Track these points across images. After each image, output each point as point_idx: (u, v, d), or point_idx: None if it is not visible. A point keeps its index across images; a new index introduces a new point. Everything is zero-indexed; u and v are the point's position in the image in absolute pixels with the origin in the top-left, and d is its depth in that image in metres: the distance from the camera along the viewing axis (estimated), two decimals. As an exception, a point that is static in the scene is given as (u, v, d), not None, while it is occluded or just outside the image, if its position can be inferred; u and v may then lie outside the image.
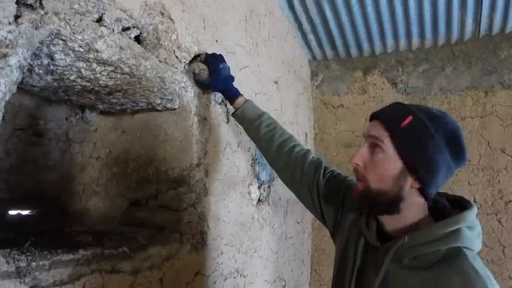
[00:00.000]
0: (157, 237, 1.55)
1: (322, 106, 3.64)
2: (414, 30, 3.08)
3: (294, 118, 3.07)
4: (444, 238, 1.04)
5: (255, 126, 1.72)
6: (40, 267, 1.05)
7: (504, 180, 3.00)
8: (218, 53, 1.77)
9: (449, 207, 1.15)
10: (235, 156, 2.04)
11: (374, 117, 1.21)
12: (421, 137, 1.08)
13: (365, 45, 3.34)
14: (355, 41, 3.30)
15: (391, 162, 1.10)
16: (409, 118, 1.10)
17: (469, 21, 2.94)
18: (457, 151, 1.09)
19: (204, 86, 1.75)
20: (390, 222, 1.18)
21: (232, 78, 1.75)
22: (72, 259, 1.14)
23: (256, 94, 2.34)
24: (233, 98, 1.76)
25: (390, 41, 3.26)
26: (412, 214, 1.14)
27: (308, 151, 1.69)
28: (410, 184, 1.10)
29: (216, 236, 1.81)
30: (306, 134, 3.38)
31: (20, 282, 0.99)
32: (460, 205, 1.13)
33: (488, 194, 3.05)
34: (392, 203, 1.12)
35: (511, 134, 3.00)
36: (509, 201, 2.98)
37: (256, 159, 2.29)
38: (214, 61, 1.71)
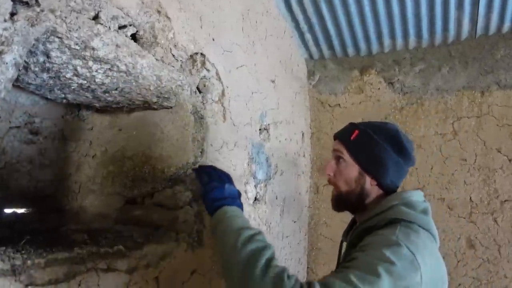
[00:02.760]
0: (153, 235, 1.55)
1: (319, 106, 3.64)
2: (411, 29, 3.09)
3: (291, 117, 3.07)
4: (383, 213, 1.29)
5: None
6: (36, 266, 1.05)
7: (500, 179, 3.01)
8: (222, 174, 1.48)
9: None
10: (232, 155, 2.04)
11: (335, 137, 1.55)
12: (367, 143, 1.40)
13: (362, 45, 3.34)
14: (352, 40, 3.30)
15: (350, 168, 1.43)
16: (356, 132, 1.43)
17: (466, 21, 2.95)
18: (400, 149, 1.39)
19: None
20: (362, 217, 1.41)
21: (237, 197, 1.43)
22: (67, 258, 1.14)
23: (252, 93, 2.34)
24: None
25: (387, 41, 3.26)
26: (375, 205, 1.38)
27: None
28: (369, 182, 1.41)
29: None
30: (302, 134, 3.38)
31: (16, 280, 0.99)
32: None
33: (484, 194, 3.06)
34: (359, 199, 1.42)
35: (507, 134, 3.01)
36: (505, 201, 2.99)
37: (253, 158, 2.29)
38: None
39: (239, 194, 1.42)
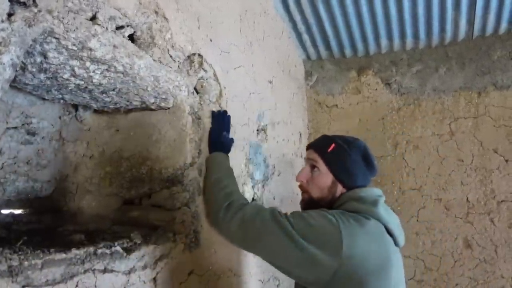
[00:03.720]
0: (151, 236, 1.54)
1: (316, 106, 3.65)
2: (408, 30, 3.10)
3: (288, 118, 3.07)
4: (337, 208, 1.51)
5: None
6: (33, 266, 1.04)
7: (497, 180, 3.02)
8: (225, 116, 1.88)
9: None
10: (229, 156, 2.04)
11: (310, 147, 1.69)
12: (342, 156, 1.56)
13: (360, 45, 3.35)
14: (350, 41, 3.31)
15: (325, 177, 1.58)
16: (333, 145, 1.58)
17: (463, 22, 2.96)
18: (368, 163, 1.59)
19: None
20: None
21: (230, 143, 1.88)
22: (64, 258, 1.13)
23: (250, 94, 2.34)
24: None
25: (384, 42, 3.27)
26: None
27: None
28: (340, 190, 1.57)
29: (210, 235, 1.81)
30: (300, 134, 3.39)
31: (12, 281, 0.98)
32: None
33: (481, 194, 3.07)
34: (329, 204, 1.56)
35: (504, 135, 3.02)
36: (502, 201, 3.00)
37: (250, 158, 2.29)
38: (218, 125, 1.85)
39: (232, 141, 1.87)
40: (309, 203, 1.62)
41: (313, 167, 1.62)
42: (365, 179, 1.60)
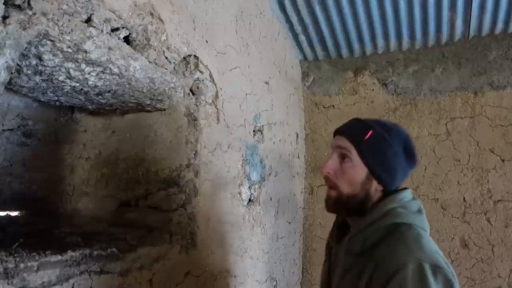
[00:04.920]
0: (147, 237, 1.55)
1: (313, 107, 3.65)
2: (404, 31, 3.10)
3: (285, 119, 3.08)
4: (380, 219, 1.25)
5: None
6: (28, 268, 1.04)
7: (493, 179, 3.03)
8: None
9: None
10: (226, 157, 2.04)
11: (339, 133, 1.38)
12: (381, 147, 1.29)
13: (356, 46, 3.36)
14: (346, 41, 3.31)
15: (358, 170, 1.30)
16: (370, 132, 1.30)
17: (459, 22, 2.97)
18: (410, 156, 1.33)
19: None
20: (357, 223, 1.32)
21: None
22: (60, 260, 1.14)
23: (246, 95, 2.34)
24: None
25: (380, 42, 3.27)
26: (373, 212, 1.29)
27: None
28: (375, 187, 1.30)
29: (206, 236, 1.81)
30: (297, 135, 3.39)
31: (8, 284, 0.98)
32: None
33: (477, 194, 3.07)
34: (361, 205, 1.30)
35: (500, 134, 3.03)
36: (498, 201, 3.01)
37: (247, 159, 2.30)
38: None
39: None
40: (337, 202, 1.33)
41: (343, 156, 1.32)
42: (405, 175, 1.34)
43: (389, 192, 1.32)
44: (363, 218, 1.28)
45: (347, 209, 1.33)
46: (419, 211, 1.29)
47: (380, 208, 1.26)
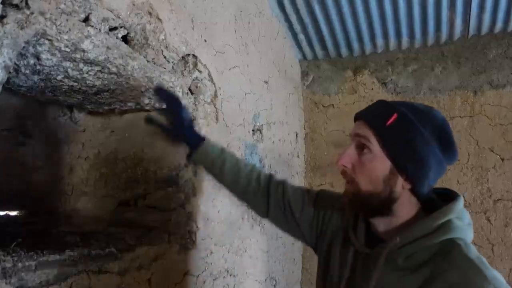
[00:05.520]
0: (146, 237, 1.55)
1: (312, 106, 3.65)
2: (404, 30, 3.10)
3: (285, 118, 3.08)
4: (435, 232, 0.99)
5: (219, 164, 1.45)
6: (26, 268, 1.04)
7: (493, 178, 3.03)
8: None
9: (437, 200, 1.11)
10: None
11: (359, 117, 1.14)
12: (408, 133, 1.03)
13: (355, 45, 3.35)
14: (345, 41, 3.31)
15: (379, 162, 1.05)
16: (394, 116, 1.05)
17: (458, 21, 2.97)
18: (447, 146, 1.05)
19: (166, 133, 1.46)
20: (382, 224, 1.12)
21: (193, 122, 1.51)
22: (58, 260, 1.14)
23: (246, 94, 2.34)
24: (197, 144, 1.44)
25: (380, 41, 3.27)
26: (405, 213, 1.09)
27: (271, 175, 1.50)
28: (401, 185, 1.05)
29: (205, 236, 1.81)
30: (296, 134, 3.39)
31: (6, 283, 0.98)
32: (447, 196, 1.10)
33: (477, 193, 3.07)
34: (385, 205, 1.07)
35: (500, 133, 3.03)
36: (498, 200, 3.01)
37: (246, 159, 2.30)
38: (174, 104, 1.40)
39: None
40: (356, 199, 1.11)
41: (362, 147, 1.09)
42: (440, 172, 1.07)
43: (421, 192, 1.08)
44: (413, 229, 1.02)
45: (367, 209, 1.12)
46: (470, 223, 1.07)
47: (436, 218, 1.01)
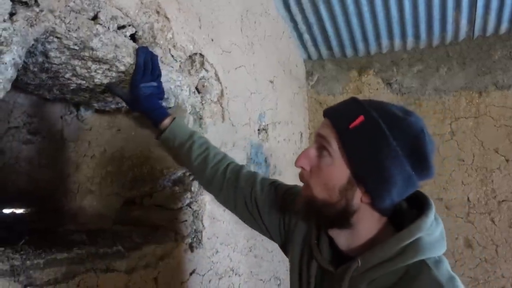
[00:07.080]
0: (152, 236, 1.55)
1: (317, 106, 3.65)
2: (409, 30, 3.10)
3: (289, 118, 3.08)
4: (400, 255, 0.87)
5: (187, 147, 1.40)
6: (35, 266, 1.05)
7: (498, 179, 3.02)
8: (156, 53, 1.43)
9: (407, 210, 0.99)
10: (230, 155, 2.04)
11: (325, 114, 1.00)
12: (373, 141, 0.88)
13: (360, 45, 3.35)
14: (350, 41, 3.31)
15: (337, 169, 0.92)
16: (360, 118, 0.90)
17: (464, 22, 2.96)
18: (419, 161, 0.89)
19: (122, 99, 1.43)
20: (343, 239, 1.00)
21: (161, 94, 1.45)
22: (66, 258, 1.14)
23: (251, 94, 2.34)
24: (159, 120, 1.42)
25: (385, 42, 3.27)
26: (367, 228, 0.96)
27: (242, 166, 1.42)
28: (359, 198, 0.92)
29: (212, 235, 1.81)
30: (301, 134, 3.39)
31: (15, 281, 0.98)
32: (417, 202, 0.97)
33: (482, 194, 3.07)
34: (341, 217, 0.95)
35: (505, 134, 3.02)
36: (502, 201, 3.00)
37: (252, 158, 2.29)
38: (140, 67, 1.34)
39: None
40: (309, 205, 0.99)
41: (322, 148, 0.96)
42: (407, 187, 0.91)
43: (382, 209, 0.94)
44: (376, 251, 0.90)
45: (320, 218, 1.01)
46: (442, 233, 0.95)
47: (401, 240, 0.88)
